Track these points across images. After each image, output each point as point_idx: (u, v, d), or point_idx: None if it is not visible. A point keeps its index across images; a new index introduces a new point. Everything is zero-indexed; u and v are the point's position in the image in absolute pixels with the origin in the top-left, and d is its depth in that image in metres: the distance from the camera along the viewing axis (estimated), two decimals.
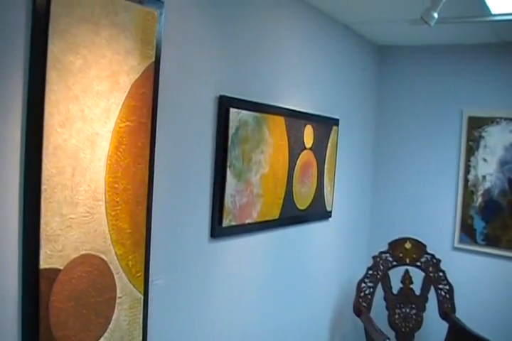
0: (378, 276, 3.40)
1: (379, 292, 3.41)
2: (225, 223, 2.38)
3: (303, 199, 3.06)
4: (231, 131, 2.36)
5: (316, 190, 3.18)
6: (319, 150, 3.18)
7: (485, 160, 3.54)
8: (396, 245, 3.45)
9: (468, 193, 3.58)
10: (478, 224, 3.55)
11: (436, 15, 2.29)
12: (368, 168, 3.92)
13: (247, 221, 2.55)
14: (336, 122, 3.34)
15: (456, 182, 3.63)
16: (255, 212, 2.62)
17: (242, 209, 2.50)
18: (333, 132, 3.31)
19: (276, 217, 2.83)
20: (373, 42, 3.82)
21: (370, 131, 3.92)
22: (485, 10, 2.78)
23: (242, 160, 2.47)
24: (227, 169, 2.36)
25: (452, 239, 3.64)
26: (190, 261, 2.24)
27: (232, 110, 2.35)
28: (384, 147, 3.94)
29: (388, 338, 2.91)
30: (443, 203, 3.68)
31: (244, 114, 2.44)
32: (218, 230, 2.36)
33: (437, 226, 3.69)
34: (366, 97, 3.84)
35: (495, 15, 2.86)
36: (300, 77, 2.97)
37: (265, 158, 2.66)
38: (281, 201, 2.86)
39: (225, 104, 2.33)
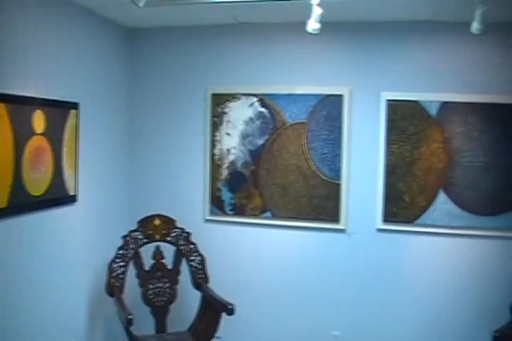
0: (129, 255, 3.52)
1: (132, 270, 3.55)
2: None
3: (37, 186, 3.01)
4: None
5: (53, 174, 3.14)
6: (54, 135, 3.14)
7: (228, 134, 3.82)
8: (145, 223, 3.60)
9: (215, 166, 3.84)
10: (226, 196, 3.84)
11: None
12: (121, 149, 3.97)
13: None
14: (74, 106, 3.31)
15: (204, 157, 3.87)
16: None
17: None
18: (71, 116, 3.28)
19: (5, 205, 2.75)
20: (121, 25, 3.84)
21: (121, 114, 3.96)
22: None
23: None
24: None
25: (203, 212, 3.89)
26: None
27: None
28: (138, 128, 4.02)
29: (130, 314, 3.05)
30: (194, 178, 3.91)
31: None
32: None
33: (190, 200, 3.92)
34: (115, 80, 3.87)
35: None
36: (33, 62, 2.90)
37: None
38: (8, 189, 2.78)
39: None
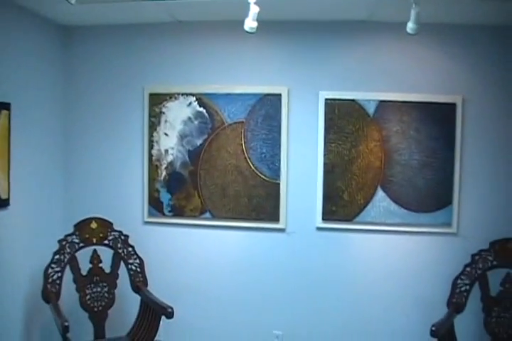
0: (65, 260, 3.44)
1: (70, 275, 3.47)
2: None
3: None
4: None
5: None
6: None
7: (166, 134, 3.77)
8: (82, 226, 3.52)
9: (154, 167, 3.79)
10: (165, 197, 3.80)
11: None
12: (57, 151, 3.87)
13: None
14: (5, 106, 3.21)
15: (142, 158, 3.81)
16: None
17: None
18: (2, 116, 3.18)
19: None
20: (55, 22, 3.73)
21: (57, 114, 3.85)
22: None
23: None
24: None
25: (142, 214, 3.84)
26: None
27: None
28: (75, 129, 3.92)
29: (66, 321, 2.98)
30: (132, 179, 3.85)
31: None
32: None
33: (129, 202, 3.86)
34: (50, 80, 3.77)
35: None
36: None
37: None
38: None
39: None
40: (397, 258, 3.62)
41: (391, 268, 3.62)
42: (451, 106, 3.52)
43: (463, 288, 3.34)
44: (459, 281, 3.35)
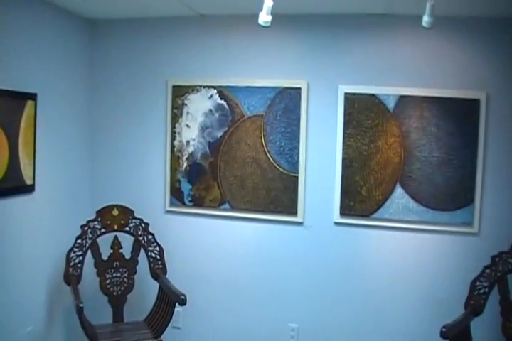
0: (87, 245, 3.60)
1: (91, 260, 3.63)
2: None
3: None
4: None
5: (8, 163, 3.21)
6: (9, 124, 3.21)
7: (188, 126, 3.87)
8: (104, 213, 3.67)
9: (175, 158, 3.90)
10: (185, 187, 3.90)
11: None
12: (81, 140, 4.03)
13: None
14: (31, 96, 3.38)
15: (164, 149, 3.93)
16: None
17: None
18: (28, 106, 3.35)
19: None
20: (81, 16, 3.89)
21: (82, 104, 4.01)
22: None
23: None
24: None
25: (164, 203, 3.96)
26: None
27: None
28: (100, 119, 4.07)
29: (81, 302, 3.12)
30: (155, 169, 3.97)
31: None
32: None
33: (151, 191, 3.98)
34: (76, 71, 3.93)
35: None
36: None
37: None
38: None
39: None
40: (415, 256, 3.58)
41: (408, 266, 3.59)
42: (475, 102, 3.44)
43: (481, 291, 3.25)
44: (477, 283, 3.26)
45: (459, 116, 3.48)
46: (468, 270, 3.33)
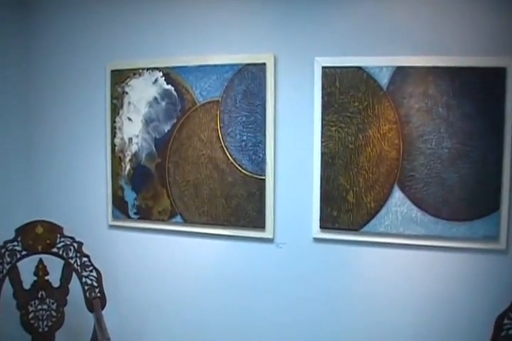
0: (4, 271, 2.93)
1: (9, 289, 2.96)
2: None
3: None
4: None
5: None
6: None
7: (130, 119, 3.13)
8: (25, 231, 2.99)
9: (117, 160, 3.17)
10: (130, 196, 3.16)
11: None
12: (17, 140, 3.37)
13: None
14: None
15: (104, 149, 3.21)
16: None
17: None
18: None
19: None
20: None
21: (15, 97, 3.35)
22: None
23: None
24: None
25: (106, 216, 3.24)
26: None
27: None
28: (39, 114, 3.39)
29: None
30: (95, 175, 3.25)
31: None
32: None
33: (92, 202, 3.27)
34: (7, 59, 3.28)
35: None
36: None
37: None
38: None
39: None
40: (420, 282, 2.71)
41: (411, 294, 2.72)
42: (498, 72, 2.52)
43: (511, 331, 2.38)
44: (505, 321, 2.40)
45: (479, 93, 2.57)
46: (493, 300, 2.53)
